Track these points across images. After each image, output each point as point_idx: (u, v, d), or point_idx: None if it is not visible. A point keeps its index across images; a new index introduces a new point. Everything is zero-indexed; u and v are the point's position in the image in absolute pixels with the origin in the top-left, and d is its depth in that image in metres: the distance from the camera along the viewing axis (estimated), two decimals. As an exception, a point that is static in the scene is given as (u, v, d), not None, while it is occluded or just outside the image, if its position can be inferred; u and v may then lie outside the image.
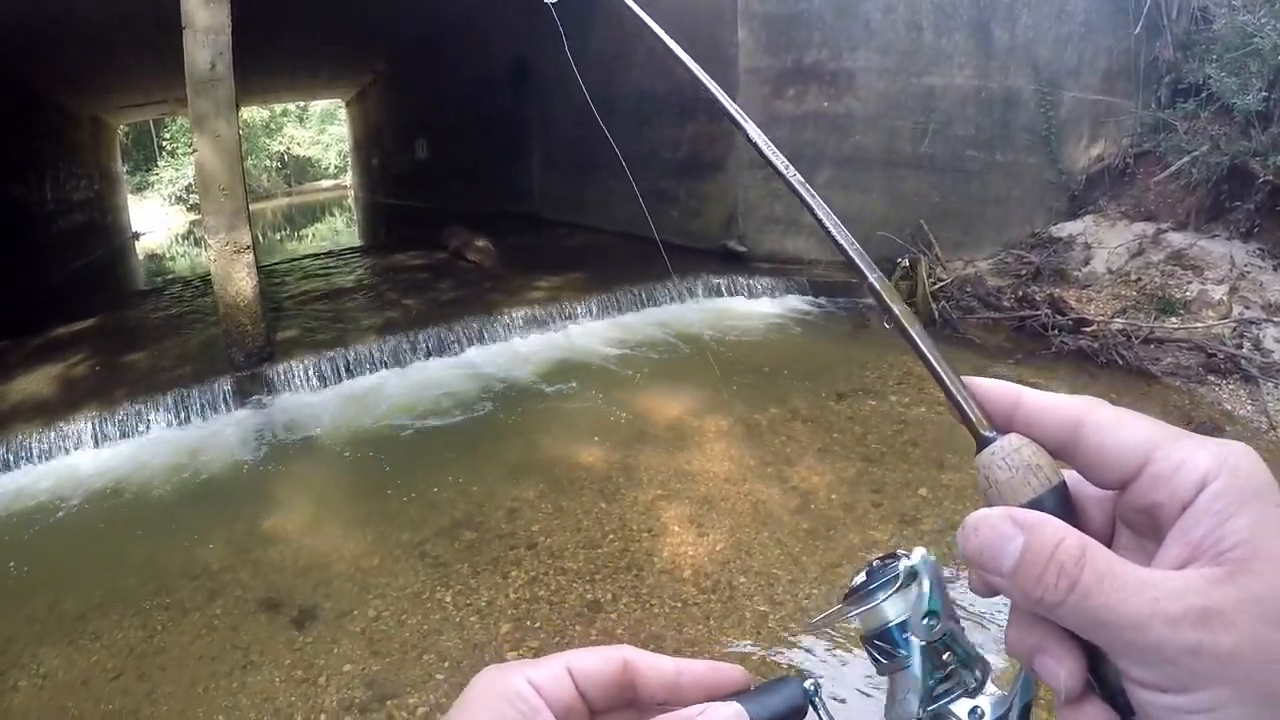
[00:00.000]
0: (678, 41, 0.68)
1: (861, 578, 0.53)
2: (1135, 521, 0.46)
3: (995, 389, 0.49)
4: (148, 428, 6.57)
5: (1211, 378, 6.17)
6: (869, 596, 0.52)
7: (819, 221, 0.61)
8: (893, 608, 0.51)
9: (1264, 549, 0.39)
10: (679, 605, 4.02)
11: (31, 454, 6.25)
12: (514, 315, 8.07)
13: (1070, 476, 0.47)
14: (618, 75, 10.91)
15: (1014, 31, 8.49)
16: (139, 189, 29.50)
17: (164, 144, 31.32)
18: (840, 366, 6.80)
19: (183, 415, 6.72)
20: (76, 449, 6.37)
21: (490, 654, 3.82)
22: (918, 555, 0.51)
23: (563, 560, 4.46)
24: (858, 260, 0.59)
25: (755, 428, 5.77)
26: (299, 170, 38.06)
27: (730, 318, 8.25)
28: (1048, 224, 8.78)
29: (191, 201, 29.23)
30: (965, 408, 0.49)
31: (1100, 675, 0.43)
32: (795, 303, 8.58)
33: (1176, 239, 7.81)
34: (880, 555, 0.53)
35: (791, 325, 8.10)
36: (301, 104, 34.77)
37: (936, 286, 7.83)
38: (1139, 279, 7.52)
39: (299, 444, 6.36)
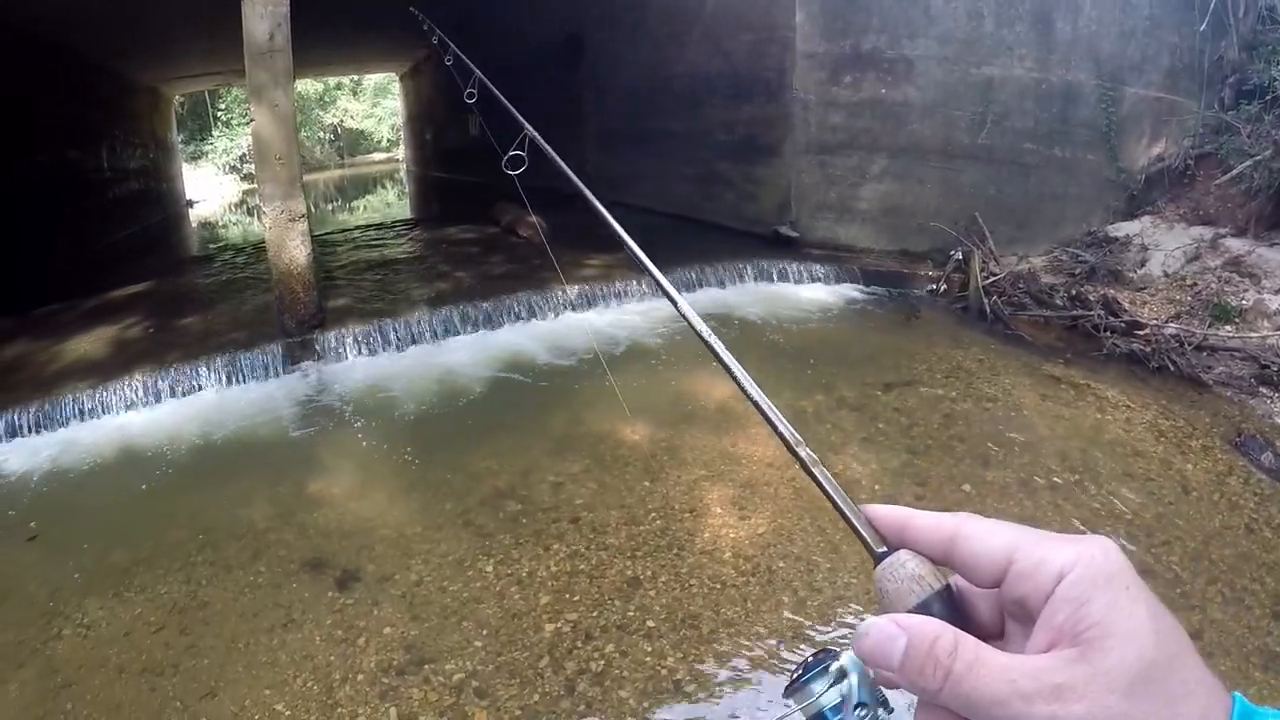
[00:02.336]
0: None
1: (799, 673, 0.61)
2: (1015, 613, 0.52)
3: (888, 513, 0.57)
4: (199, 389, 6.70)
5: (1264, 389, 6.02)
6: (806, 691, 0.60)
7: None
8: (828, 699, 0.59)
9: (1114, 628, 0.45)
10: (718, 586, 4.01)
11: (85, 411, 6.39)
12: (564, 291, 8.08)
13: (961, 580, 0.55)
14: (672, 55, 10.86)
15: (1077, 24, 8.31)
16: (193, 158, 30.02)
17: (218, 114, 31.79)
18: (888, 356, 6.73)
19: (234, 378, 6.84)
20: (129, 408, 6.50)
21: (529, 624, 3.85)
22: (846, 657, 0.59)
23: (604, 535, 4.47)
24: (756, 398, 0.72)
25: (801, 414, 5.73)
26: (351, 143, 38.39)
27: (780, 303, 8.18)
28: (1104, 223, 8.60)
29: (245, 171, 29.74)
30: (861, 530, 0.57)
31: None
32: (846, 291, 8.49)
33: (1235, 245, 7.62)
34: (814, 651, 0.61)
35: (841, 313, 8.01)
36: (355, 77, 35.05)
37: (989, 281, 7.71)
38: (1194, 284, 7.35)
39: (346, 411, 6.43)
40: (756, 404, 0.71)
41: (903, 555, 0.54)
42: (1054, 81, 8.39)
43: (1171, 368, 6.26)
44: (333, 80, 34.64)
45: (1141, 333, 6.70)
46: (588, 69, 13.40)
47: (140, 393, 6.57)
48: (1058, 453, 5.12)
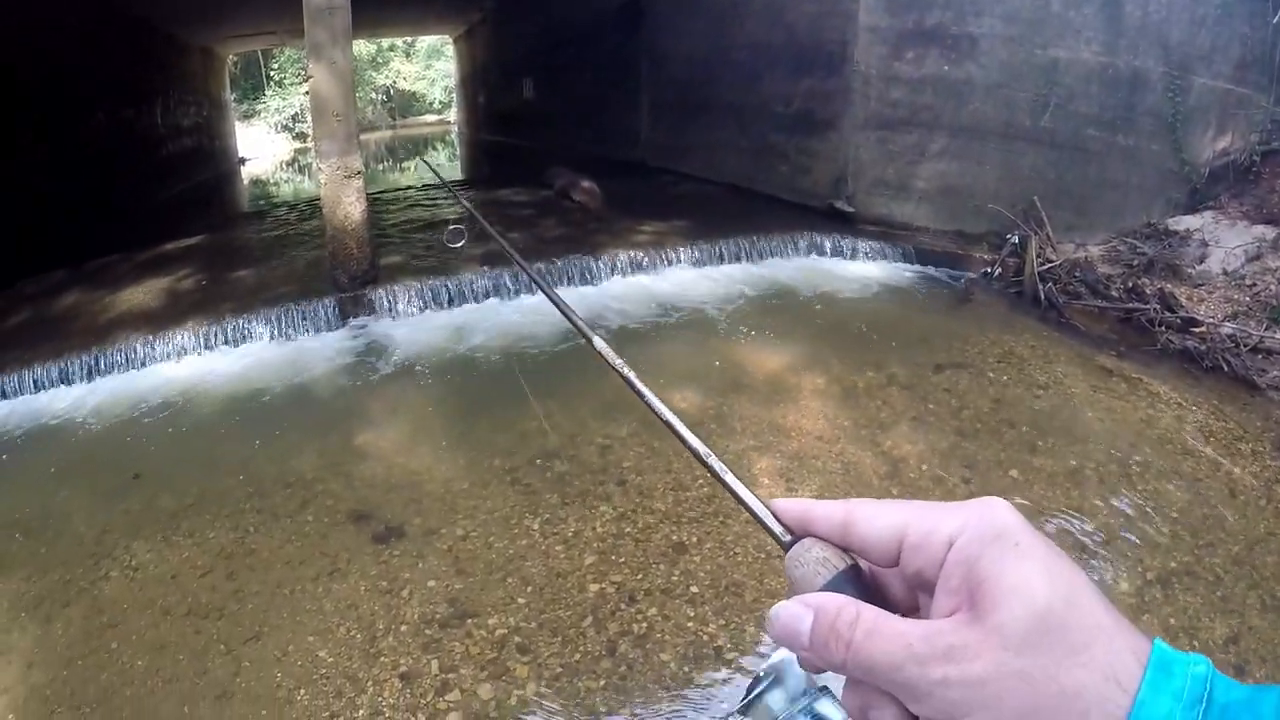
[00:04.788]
0: None
1: (748, 691, 0.65)
2: (920, 586, 0.52)
3: (789, 505, 0.57)
4: (251, 340, 6.79)
5: (1318, 397, 5.86)
6: (759, 706, 0.64)
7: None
8: (775, 703, 0.63)
9: (1002, 584, 0.45)
10: (762, 556, 4.00)
11: (139, 359, 6.52)
12: (617, 257, 8.06)
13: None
14: (732, 25, 10.74)
15: (1147, 8, 8.08)
16: (246, 117, 30.35)
17: (271, 74, 32.11)
18: (940, 338, 6.64)
19: (286, 331, 6.92)
20: (182, 357, 6.61)
21: (573, 583, 3.87)
22: (776, 655, 0.63)
23: (651, 500, 4.47)
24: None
25: (851, 390, 5.68)
26: (404, 104, 38.62)
27: (833, 278, 8.09)
28: (1165, 215, 8.40)
29: (297, 130, 30.02)
30: (767, 522, 0.58)
31: None
32: (900, 269, 8.37)
33: (1297, 247, 7.42)
34: (764, 669, 0.66)
35: (894, 291, 7.91)
36: (409, 40, 35.17)
37: (1045, 267, 7.57)
38: (1253, 284, 7.16)
39: (396, 366, 6.48)
40: (660, 416, 0.72)
41: (807, 542, 0.55)
42: (1120, 67, 8.18)
43: (1225, 368, 6.11)
44: (386, 42, 34.79)
45: (1197, 330, 6.55)
46: (645, 38, 13.29)
47: (193, 343, 6.68)
48: (1106, 445, 5.04)
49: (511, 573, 3.97)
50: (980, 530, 0.47)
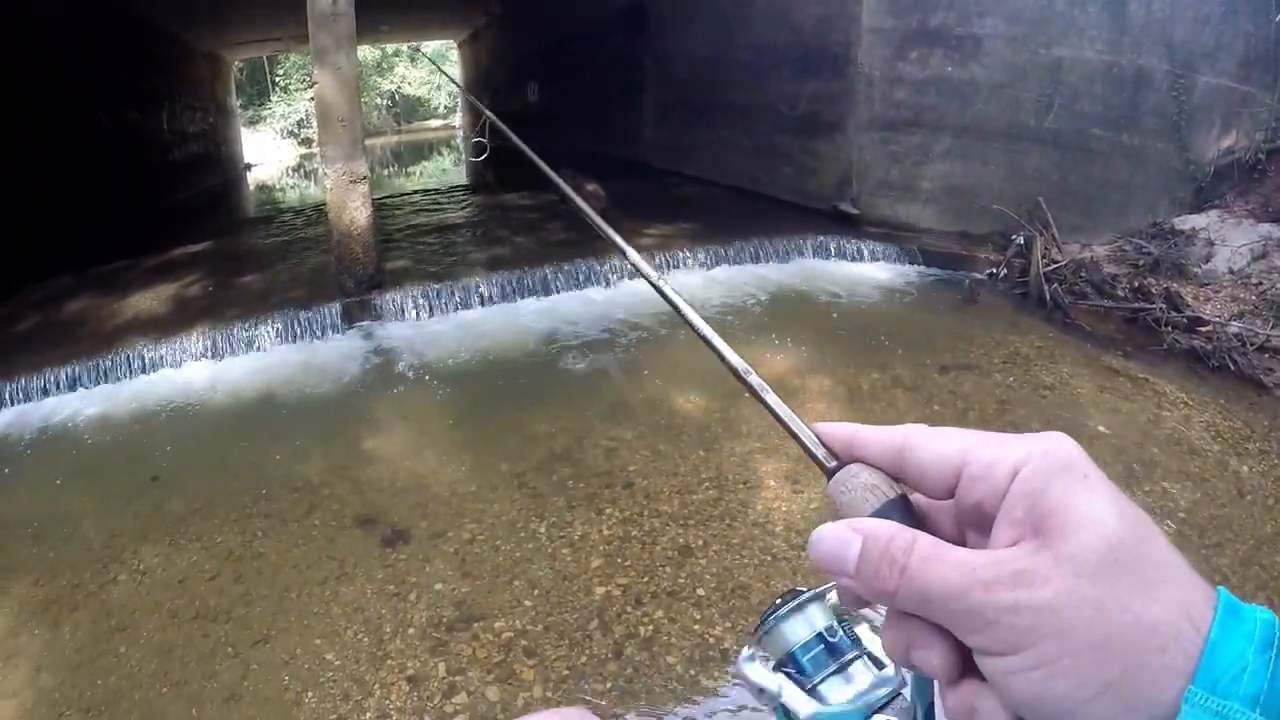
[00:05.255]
0: None
1: (765, 616, 0.60)
2: (974, 523, 0.49)
3: (835, 428, 0.54)
4: (257, 346, 6.81)
5: (1326, 397, 5.84)
6: (775, 633, 0.59)
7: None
8: (796, 637, 0.58)
9: (1073, 514, 0.43)
10: (768, 558, 4.00)
11: (145, 365, 6.55)
12: (621, 259, 8.01)
13: (919, 497, 0.52)
14: (736, 26, 10.74)
15: (1150, 7, 8.07)
16: (252, 123, 30.44)
17: (277, 80, 32.21)
18: (945, 339, 6.63)
19: (292, 336, 6.95)
20: (188, 362, 6.64)
21: (579, 586, 3.87)
22: (812, 593, 0.59)
23: (657, 503, 4.47)
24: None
25: (857, 391, 5.68)
26: (409, 109, 38.72)
27: (839, 280, 8.08)
28: (1170, 214, 8.38)
29: (303, 136, 30.11)
30: (810, 446, 0.55)
31: (973, 662, 0.46)
32: (905, 270, 8.35)
33: (1304, 245, 7.41)
34: (781, 594, 0.61)
35: (899, 293, 7.90)
36: (413, 45, 35.26)
37: (1051, 268, 7.56)
38: (1259, 283, 7.14)
39: (403, 370, 6.50)
40: (698, 331, 0.70)
41: (854, 467, 0.52)
42: (1124, 66, 8.17)
43: (1232, 367, 6.10)
44: (390, 47, 34.86)
45: (1203, 330, 6.53)
46: (649, 39, 13.30)
47: (200, 348, 6.71)
48: (1113, 446, 5.02)
49: (518, 576, 3.97)
50: (1047, 461, 0.45)
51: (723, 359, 0.65)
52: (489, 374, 6.40)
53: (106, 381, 6.40)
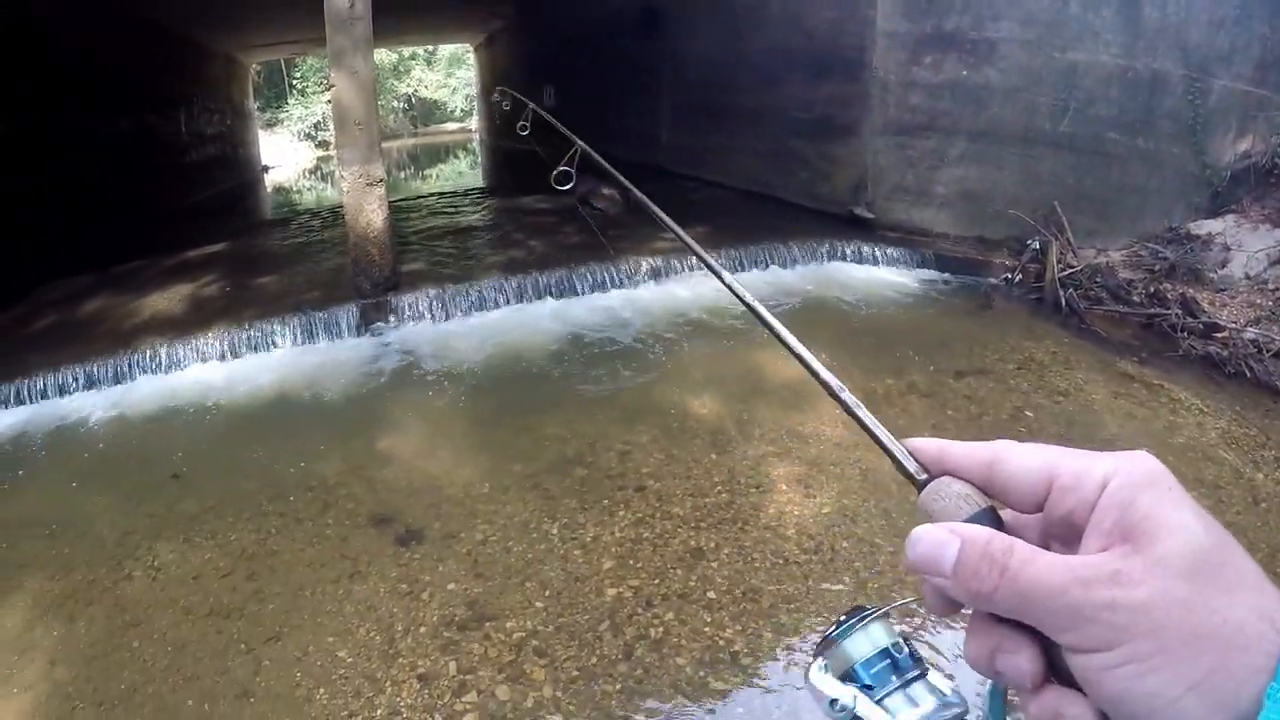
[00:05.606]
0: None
1: (831, 630, 0.62)
2: (1061, 535, 0.51)
3: (925, 443, 0.58)
4: (274, 346, 6.87)
5: (1343, 404, 5.79)
6: (838, 648, 0.61)
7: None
8: (859, 653, 0.61)
9: (1161, 522, 0.45)
10: (780, 562, 4.00)
11: (162, 364, 6.60)
12: (637, 263, 8.07)
13: (1005, 512, 0.55)
14: (751, 29, 10.74)
15: (1165, 10, 8.02)
16: (269, 125, 30.68)
17: (294, 82, 32.43)
18: (960, 344, 6.62)
19: (308, 337, 7.01)
20: (205, 362, 6.69)
21: (591, 587, 3.88)
22: (879, 612, 0.62)
23: (670, 505, 4.48)
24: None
25: (871, 396, 5.66)
26: (425, 112, 38.92)
27: (854, 284, 8.07)
28: (1186, 219, 8.32)
29: (319, 138, 30.29)
30: (903, 460, 0.58)
31: (1058, 667, 0.48)
32: (920, 275, 8.34)
33: (1321, 251, 7.34)
34: (848, 609, 0.63)
35: (914, 298, 7.89)
36: (430, 48, 35.40)
37: (1066, 273, 7.53)
38: (1276, 289, 7.08)
39: (418, 371, 6.54)
40: (793, 350, 0.74)
41: (946, 479, 0.55)
42: (1139, 70, 8.13)
43: (1248, 374, 6.05)
44: (407, 51, 35.03)
45: (1219, 336, 6.49)
46: (665, 42, 13.31)
47: (216, 348, 6.76)
48: (1128, 452, 5.00)
49: (530, 576, 3.99)
50: (1134, 475, 0.48)
51: (817, 377, 0.70)
52: (504, 376, 6.43)
53: (123, 380, 6.46)
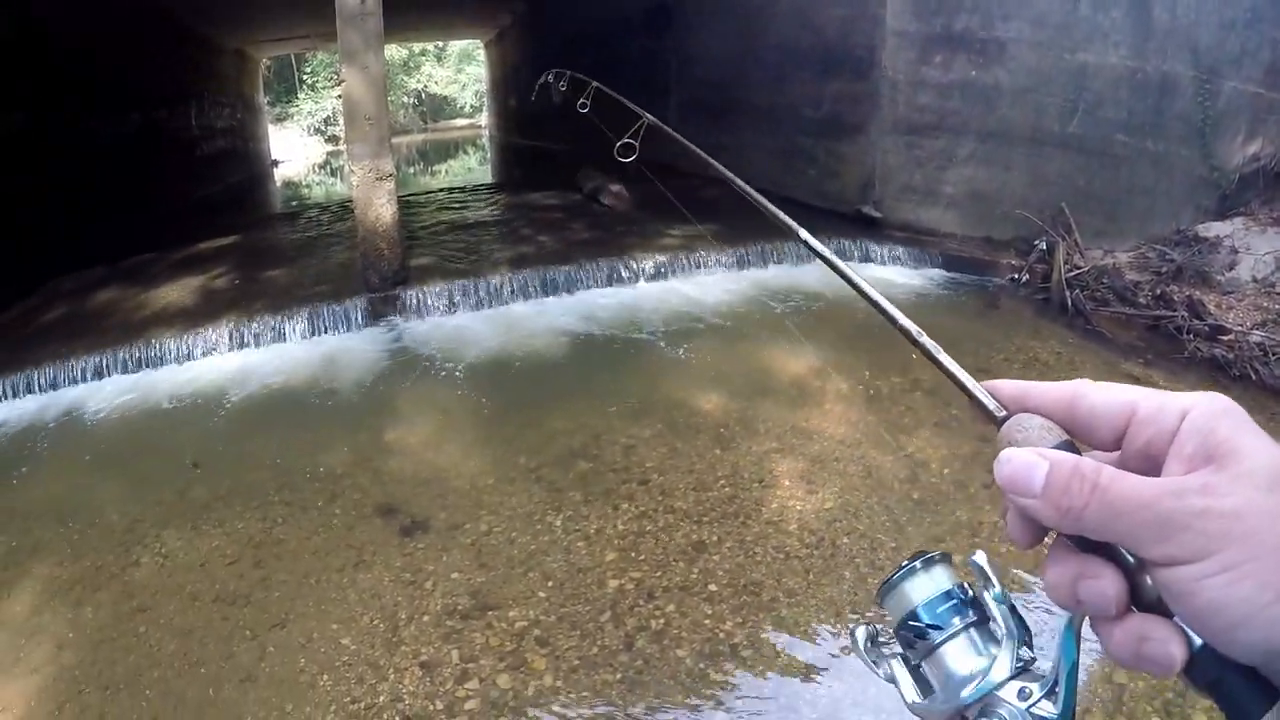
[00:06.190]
0: None
1: (894, 573, 0.62)
2: (1137, 468, 0.51)
3: (1005, 384, 0.59)
4: (283, 339, 6.91)
5: (1348, 407, 5.77)
6: (899, 590, 0.61)
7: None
8: (920, 594, 0.60)
9: (1243, 444, 0.47)
10: (781, 556, 4.03)
11: (171, 356, 6.66)
12: (645, 260, 8.09)
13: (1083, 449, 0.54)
14: (760, 26, 10.73)
15: (1175, 12, 7.99)
16: (279, 119, 30.75)
17: (304, 77, 32.53)
18: (967, 343, 6.61)
19: (317, 330, 7.05)
20: (214, 353, 6.74)
21: (593, 579, 3.91)
22: (945, 557, 0.61)
23: (673, 499, 4.51)
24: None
25: (876, 394, 5.69)
26: (435, 108, 38.90)
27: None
28: (1194, 221, 8.28)
29: (329, 133, 30.35)
30: (981, 397, 0.58)
31: (1138, 595, 0.49)
32: (927, 275, 8.35)
33: (1329, 254, 7.31)
34: (913, 554, 0.62)
35: (921, 297, 7.88)
36: (440, 44, 35.40)
37: (1072, 274, 7.52)
38: (1283, 292, 7.09)
39: (425, 365, 6.58)
40: (870, 298, 0.76)
41: (1027, 415, 0.55)
42: (1149, 71, 8.11)
43: (1254, 377, 6.04)
44: (417, 46, 35.07)
45: (1225, 338, 6.47)
46: (674, 39, 13.32)
47: (226, 341, 6.80)
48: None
49: (533, 567, 4.02)
50: (1212, 406, 0.49)
51: (894, 322, 0.73)
52: (510, 370, 6.47)
53: (133, 371, 6.51)
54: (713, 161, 1.31)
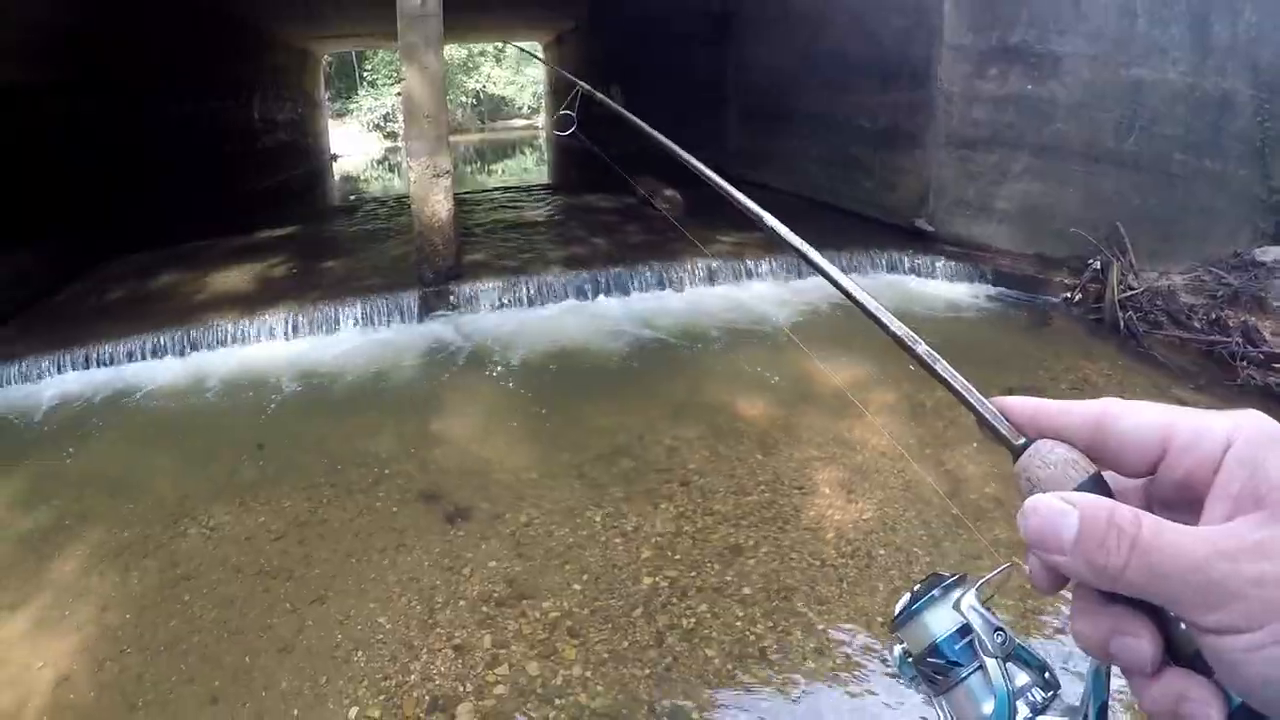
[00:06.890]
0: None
1: (907, 602, 0.60)
2: (1172, 501, 0.47)
3: (1019, 402, 0.52)
4: (337, 327, 7.08)
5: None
6: (917, 622, 0.58)
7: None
8: (941, 629, 0.57)
9: None
10: (816, 564, 4.03)
11: (228, 339, 6.85)
12: (696, 265, 8.13)
13: (1106, 474, 0.49)
14: (817, 36, 10.70)
15: (1235, 29, 7.80)
16: (339, 115, 31.32)
17: (365, 74, 33.09)
18: (1014, 360, 6.56)
19: (371, 321, 7.21)
20: (270, 339, 6.91)
21: (628, 575, 3.96)
22: (960, 582, 0.59)
23: (712, 501, 4.54)
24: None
25: (920, 407, 5.65)
26: (493, 108, 39.21)
27: (911, 297, 8.02)
28: (1251, 244, 8.09)
29: (389, 129, 30.79)
30: (994, 422, 0.52)
31: (1174, 647, 0.45)
32: (978, 290, 8.29)
33: (1388, 284, 7.14)
34: (923, 578, 0.60)
35: (970, 313, 7.84)
36: (499, 46, 35.69)
37: (1126, 295, 7.40)
38: (1340, 322, 6.92)
39: (475, 359, 6.70)
40: (861, 304, 0.70)
41: (1047, 442, 0.49)
42: (1208, 88, 7.93)
43: (1307, 409, 5.92)
44: (477, 47, 35.43)
45: None
46: (733, 48, 13.32)
47: (281, 327, 6.98)
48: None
49: (570, 560, 4.08)
50: (1258, 434, 0.43)
51: (887, 331, 0.67)
52: (558, 368, 6.55)
53: (189, 352, 6.71)
54: (666, 141, 1.22)
